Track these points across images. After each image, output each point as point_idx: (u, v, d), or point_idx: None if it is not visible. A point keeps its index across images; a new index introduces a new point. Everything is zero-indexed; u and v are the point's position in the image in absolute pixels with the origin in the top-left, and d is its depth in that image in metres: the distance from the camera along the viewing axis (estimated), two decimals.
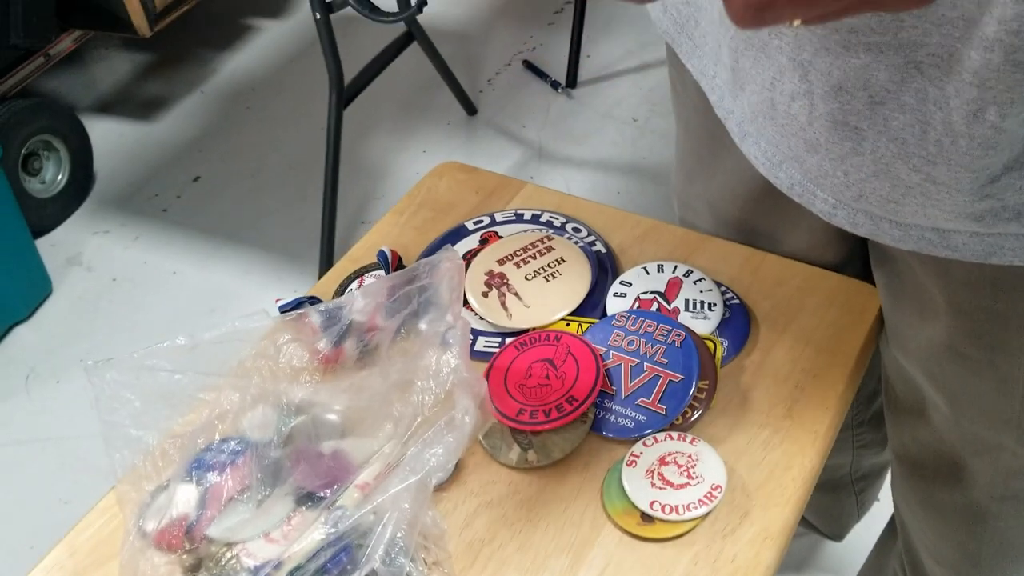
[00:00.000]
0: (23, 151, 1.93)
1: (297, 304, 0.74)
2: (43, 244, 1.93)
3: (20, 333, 1.79)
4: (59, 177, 2.03)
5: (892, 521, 1.06)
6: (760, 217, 0.76)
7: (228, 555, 0.61)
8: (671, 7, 0.68)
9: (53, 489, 1.51)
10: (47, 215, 2.01)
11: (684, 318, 0.70)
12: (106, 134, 2.23)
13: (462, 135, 2.12)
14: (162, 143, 2.22)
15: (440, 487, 0.65)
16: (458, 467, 0.66)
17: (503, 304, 0.75)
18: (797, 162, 0.59)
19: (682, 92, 0.77)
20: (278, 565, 0.58)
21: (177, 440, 0.63)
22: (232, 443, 0.63)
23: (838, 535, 1.19)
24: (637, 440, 0.65)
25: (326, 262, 1.82)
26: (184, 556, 0.61)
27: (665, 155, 2.00)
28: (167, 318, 1.80)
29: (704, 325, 0.70)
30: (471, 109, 2.17)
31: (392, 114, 2.20)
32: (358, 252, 0.84)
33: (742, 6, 0.34)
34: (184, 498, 0.62)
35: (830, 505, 1.12)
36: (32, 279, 1.84)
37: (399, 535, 0.57)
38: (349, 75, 1.79)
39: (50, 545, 0.64)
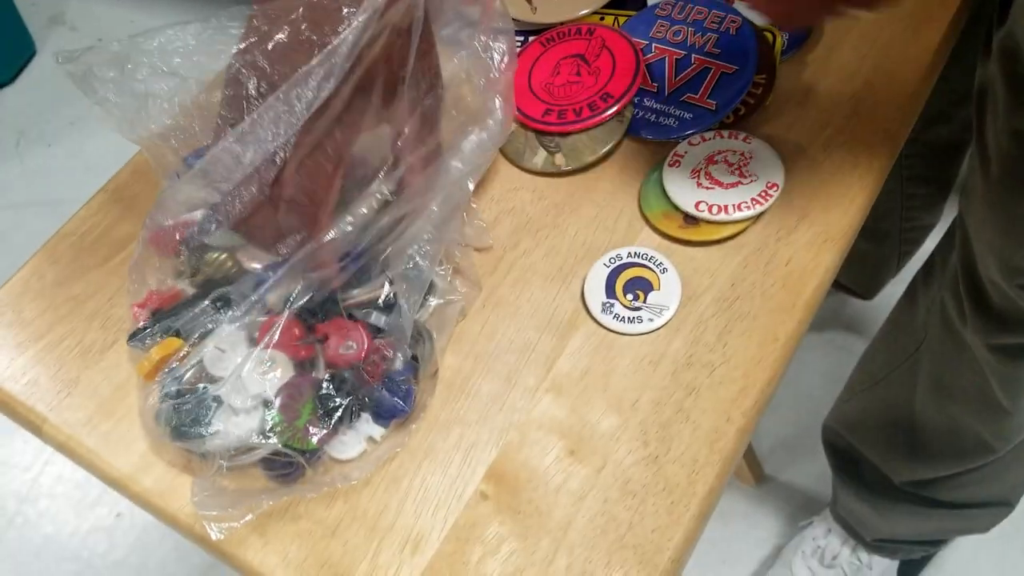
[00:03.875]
0: None
1: None
2: (23, 3, 1.80)
3: (6, 96, 1.70)
4: None
5: (930, 259, 1.00)
6: None
7: (229, 263, 0.55)
8: None
9: None
10: None
11: (740, 7, 0.61)
12: None
13: None
14: None
15: None
16: None
17: None
18: None
19: None
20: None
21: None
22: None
23: (870, 292, 1.12)
24: (682, 141, 0.57)
25: None
26: (181, 259, 0.55)
27: None
28: None
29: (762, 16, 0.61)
30: None
31: None
32: None
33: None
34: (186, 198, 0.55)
35: (871, 253, 1.05)
36: (14, 39, 1.73)
37: (425, 236, 0.51)
38: None
39: None
